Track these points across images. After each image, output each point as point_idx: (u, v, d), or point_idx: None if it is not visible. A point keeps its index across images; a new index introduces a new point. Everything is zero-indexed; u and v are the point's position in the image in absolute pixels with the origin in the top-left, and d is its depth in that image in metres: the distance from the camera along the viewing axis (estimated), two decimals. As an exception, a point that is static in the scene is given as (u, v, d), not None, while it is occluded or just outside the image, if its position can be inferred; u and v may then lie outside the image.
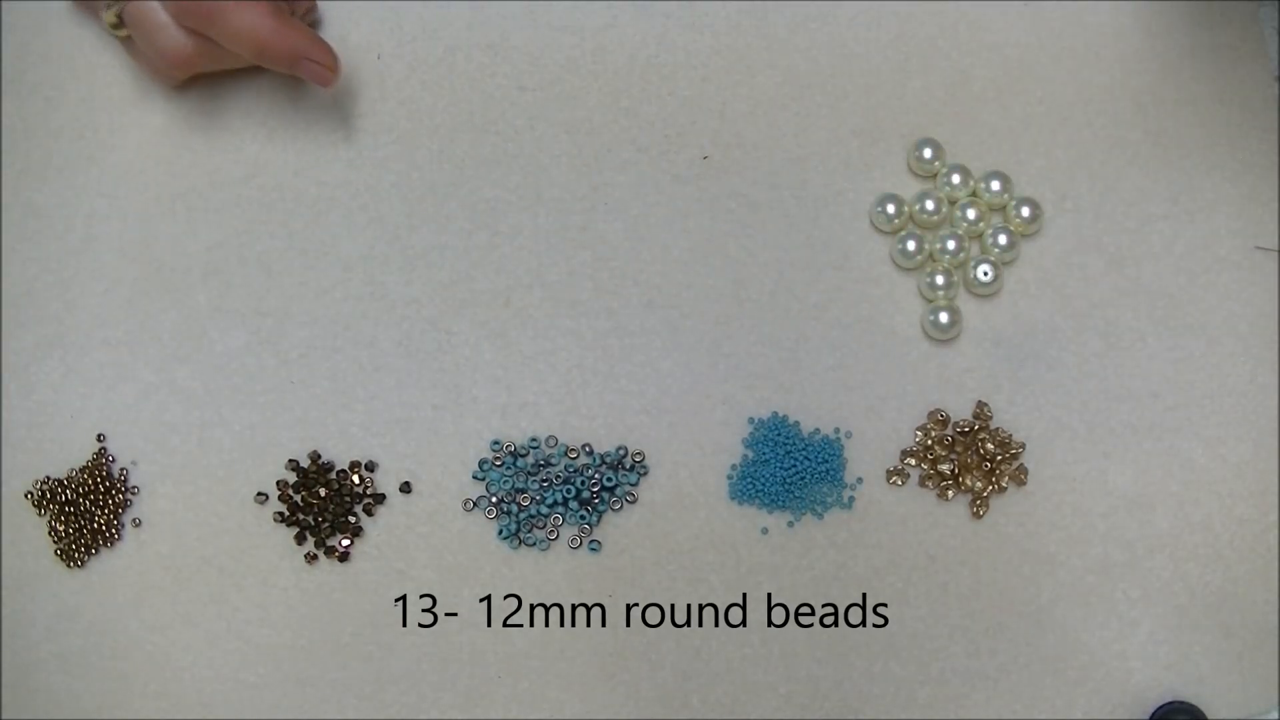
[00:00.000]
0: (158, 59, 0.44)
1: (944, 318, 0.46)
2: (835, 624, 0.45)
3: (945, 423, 0.46)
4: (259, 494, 0.46)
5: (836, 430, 0.46)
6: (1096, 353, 0.47)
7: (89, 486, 0.46)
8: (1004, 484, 0.46)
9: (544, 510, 0.46)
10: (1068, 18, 0.50)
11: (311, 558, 0.46)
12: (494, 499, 0.46)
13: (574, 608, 0.45)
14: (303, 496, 0.46)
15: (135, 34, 0.44)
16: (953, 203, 0.48)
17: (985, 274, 0.47)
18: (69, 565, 0.46)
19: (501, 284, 0.48)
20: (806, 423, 0.46)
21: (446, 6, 0.50)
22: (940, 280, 0.46)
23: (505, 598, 0.45)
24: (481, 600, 0.45)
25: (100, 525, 0.46)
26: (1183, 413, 0.46)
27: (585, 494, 0.46)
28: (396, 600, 0.46)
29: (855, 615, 0.45)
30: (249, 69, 0.48)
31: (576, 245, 0.48)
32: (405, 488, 0.46)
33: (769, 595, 0.45)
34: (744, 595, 0.45)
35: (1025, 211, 0.47)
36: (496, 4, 0.50)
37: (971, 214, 0.48)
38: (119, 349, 0.48)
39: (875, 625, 0.45)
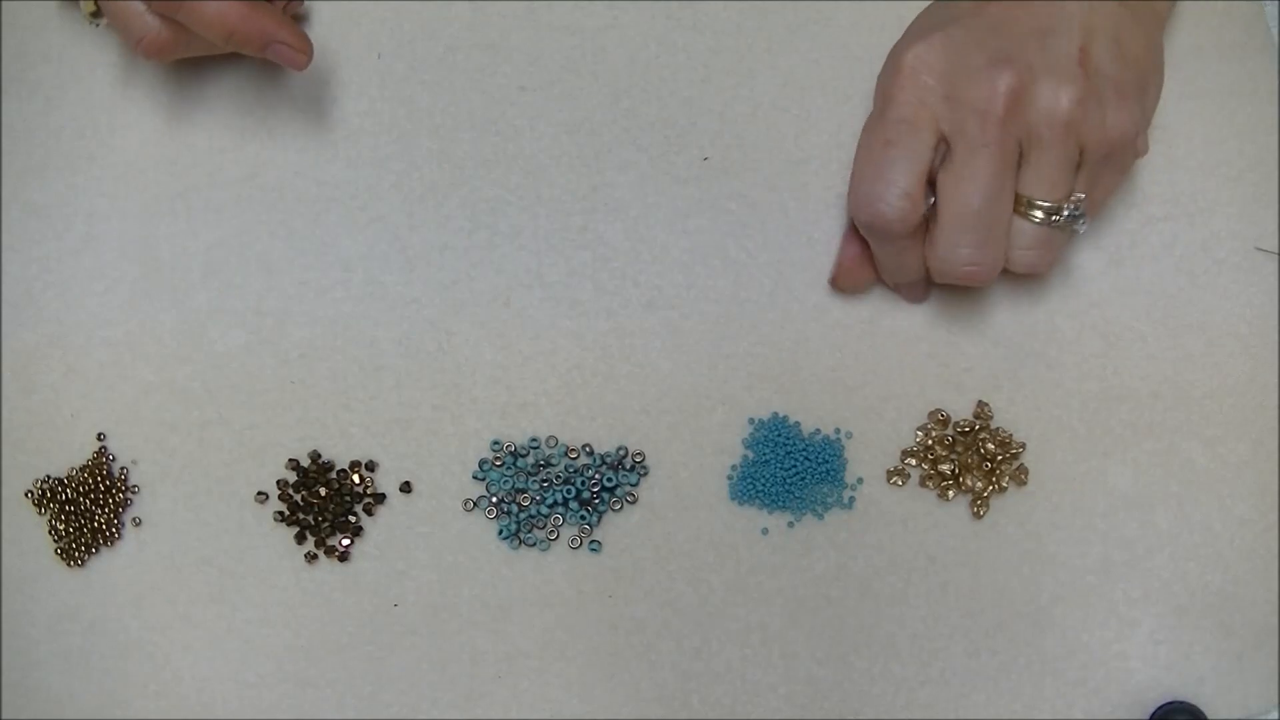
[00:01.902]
0: (133, 46, 0.44)
1: None
2: (836, 625, 0.45)
3: (946, 423, 0.46)
4: (259, 493, 0.46)
5: (837, 430, 0.46)
6: (1096, 353, 0.47)
7: (89, 486, 0.46)
8: (1004, 484, 0.46)
9: (544, 510, 0.46)
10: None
11: (311, 557, 0.46)
12: (494, 499, 0.46)
13: (574, 608, 0.45)
14: (303, 496, 0.46)
15: (111, 21, 0.44)
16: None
17: None
18: (69, 564, 0.46)
19: (501, 284, 0.48)
20: (807, 423, 0.46)
21: (446, 6, 0.50)
22: None
23: (505, 598, 0.45)
24: (481, 600, 0.45)
25: (100, 524, 0.46)
26: (1183, 413, 0.46)
27: (585, 494, 0.46)
28: (396, 600, 0.46)
29: (856, 616, 0.45)
30: (230, 55, 0.48)
31: (576, 245, 0.48)
32: (405, 487, 0.46)
33: (769, 596, 0.45)
34: (745, 596, 0.45)
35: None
36: (496, 4, 0.50)
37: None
38: (119, 349, 0.48)
39: (875, 625, 0.45)
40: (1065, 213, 0.41)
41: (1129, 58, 0.41)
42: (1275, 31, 0.50)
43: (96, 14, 0.49)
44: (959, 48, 0.40)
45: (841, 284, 0.46)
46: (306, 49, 0.44)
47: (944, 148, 0.41)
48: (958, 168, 0.40)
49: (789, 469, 0.45)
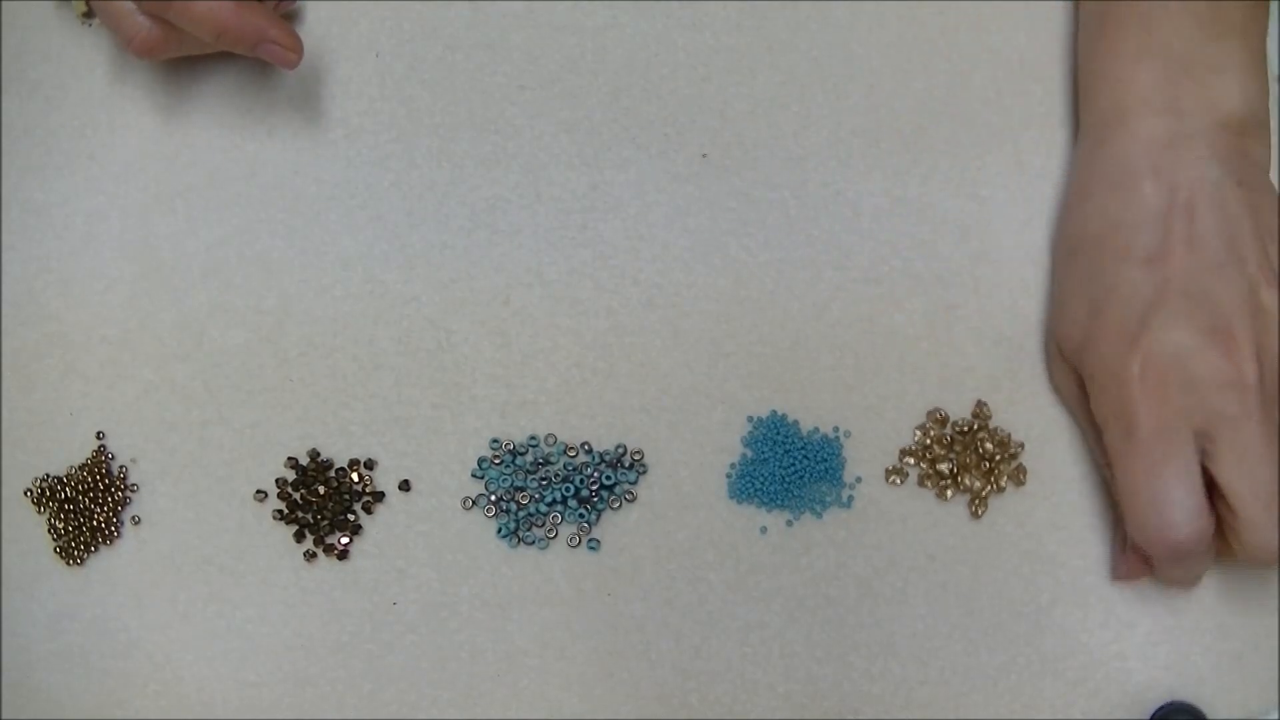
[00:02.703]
0: (124, 45, 0.44)
1: None
2: (835, 624, 0.45)
3: (944, 422, 0.46)
4: (258, 492, 0.46)
5: (835, 429, 0.46)
6: (1096, 352, 0.47)
7: (88, 484, 0.46)
8: (1003, 484, 0.46)
9: (543, 509, 0.46)
10: (1068, 16, 0.50)
11: (310, 556, 0.46)
12: (493, 497, 0.46)
13: (573, 606, 0.45)
14: (302, 494, 0.46)
15: (102, 20, 0.45)
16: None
17: None
18: (68, 563, 0.47)
19: (501, 282, 0.48)
20: (805, 421, 0.46)
21: (446, 6, 0.50)
22: None
23: (504, 596, 0.45)
24: (480, 599, 0.45)
25: (100, 523, 0.46)
26: (1182, 412, 0.46)
27: (584, 492, 0.46)
28: (395, 599, 0.46)
29: (855, 615, 0.45)
30: (228, 55, 0.48)
31: (576, 243, 0.48)
32: (404, 486, 0.46)
33: (768, 595, 0.45)
34: (743, 595, 0.45)
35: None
36: (496, 4, 0.50)
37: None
38: (119, 347, 0.48)
39: (874, 624, 0.45)
40: None
41: None
42: (1274, 31, 0.49)
43: (88, 14, 0.49)
44: (1172, 334, 0.38)
45: (1129, 579, 0.44)
46: (297, 48, 0.45)
47: (1204, 439, 0.39)
48: (1234, 452, 0.38)
49: (788, 467, 0.45)
